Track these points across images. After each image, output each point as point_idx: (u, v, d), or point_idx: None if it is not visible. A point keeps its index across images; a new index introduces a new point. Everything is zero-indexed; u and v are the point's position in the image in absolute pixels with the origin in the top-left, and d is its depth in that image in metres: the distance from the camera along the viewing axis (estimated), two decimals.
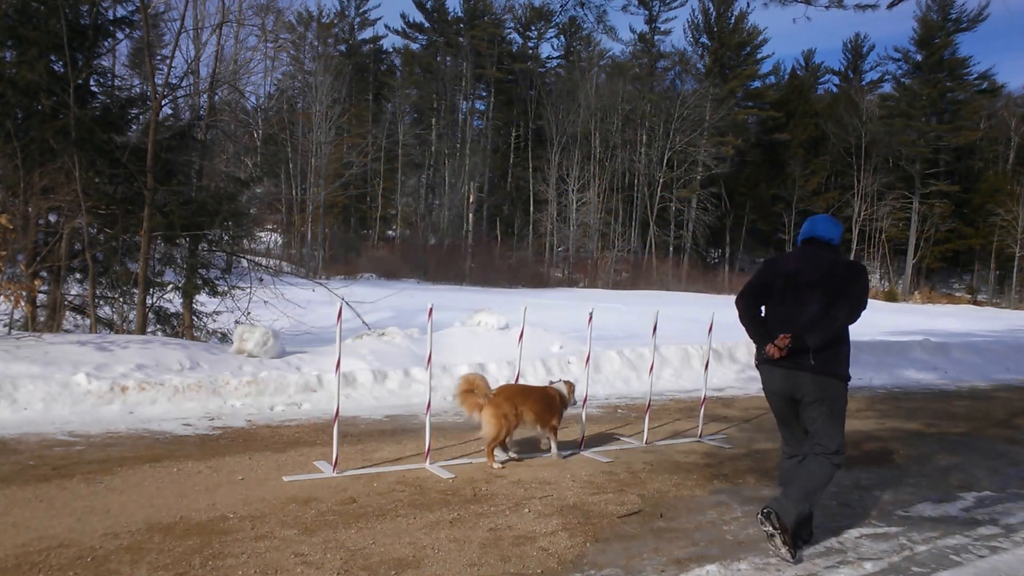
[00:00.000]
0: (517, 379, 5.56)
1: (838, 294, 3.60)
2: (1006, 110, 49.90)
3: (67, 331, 8.81)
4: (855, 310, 3.61)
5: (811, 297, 3.63)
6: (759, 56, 50.50)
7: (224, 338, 9.59)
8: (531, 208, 45.95)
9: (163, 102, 9.82)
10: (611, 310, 18.58)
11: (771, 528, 3.46)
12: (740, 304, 3.86)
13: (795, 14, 17.97)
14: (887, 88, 52.89)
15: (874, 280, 47.60)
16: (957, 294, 45.59)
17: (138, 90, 13.20)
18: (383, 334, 9.12)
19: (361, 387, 7.41)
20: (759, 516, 3.52)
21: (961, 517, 4.43)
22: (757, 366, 3.86)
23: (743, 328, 3.87)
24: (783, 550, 3.46)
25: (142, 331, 8.85)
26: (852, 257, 46.81)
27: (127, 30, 10.37)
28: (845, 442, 3.73)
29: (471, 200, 44.02)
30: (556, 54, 54.58)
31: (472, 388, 5.02)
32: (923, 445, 6.39)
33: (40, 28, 8.65)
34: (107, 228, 9.43)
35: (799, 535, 3.65)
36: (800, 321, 3.61)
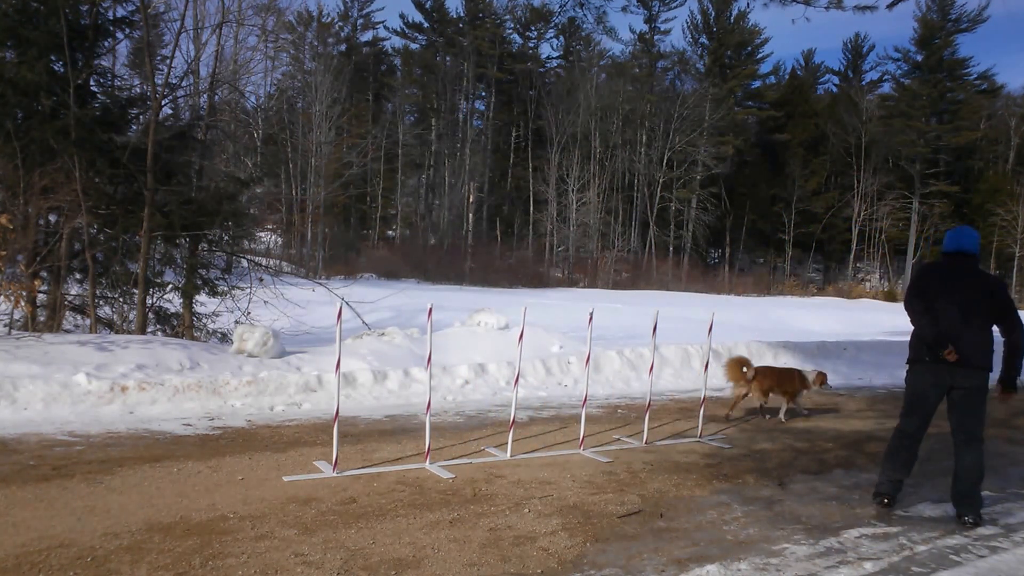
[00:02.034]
0: (517, 380, 5.57)
1: (992, 305, 4.30)
2: (1006, 110, 49.88)
3: (67, 331, 8.81)
4: (1018, 322, 4.33)
5: (969, 306, 4.28)
6: (759, 56, 50.49)
7: (224, 338, 9.58)
8: (531, 208, 45.92)
9: (163, 102, 9.81)
10: (611, 310, 18.58)
11: (973, 520, 4.24)
12: (915, 309, 4.44)
13: (794, 14, 18.02)
14: (887, 88, 52.90)
15: (874, 280, 47.59)
16: None
17: (138, 90, 13.22)
18: (383, 334, 9.12)
19: (361, 387, 7.41)
20: (967, 521, 4.23)
21: None
22: (917, 360, 4.47)
23: (918, 329, 4.44)
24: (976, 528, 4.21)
25: (142, 331, 8.85)
26: (852, 256, 46.89)
27: (127, 30, 10.34)
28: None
29: (471, 200, 44.00)
30: (556, 54, 54.63)
31: (741, 363, 7.33)
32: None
33: (40, 28, 8.64)
34: (107, 228, 9.42)
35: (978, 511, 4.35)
36: (961, 327, 4.25)
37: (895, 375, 11.08)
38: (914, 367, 4.54)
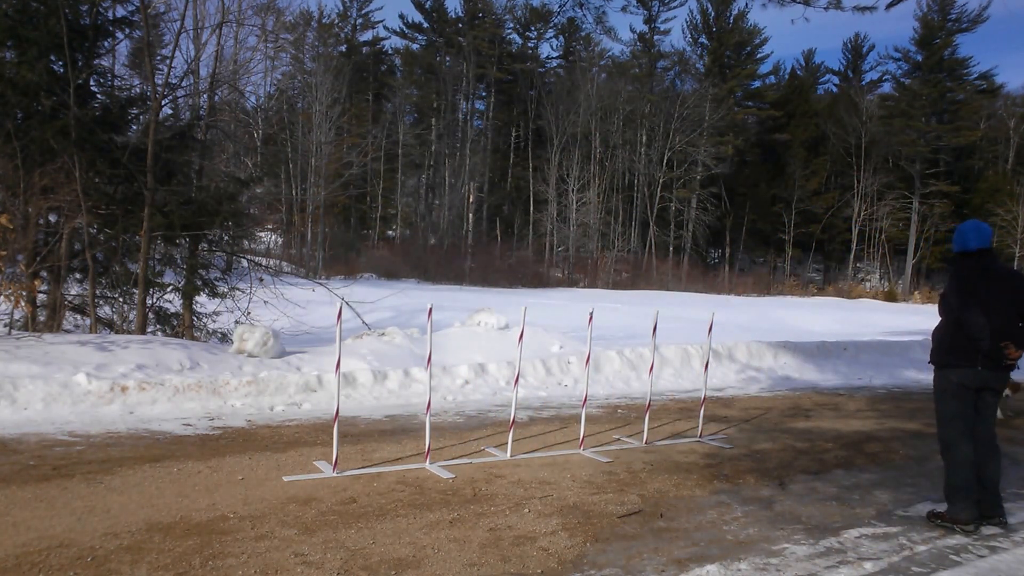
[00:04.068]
0: (517, 380, 5.57)
1: (1017, 300, 4.15)
2: (1006, 110, 49.89)
3: (67, 331, 8.81)
4: None
5: (1003, 305, 4.14)
6: (759, 56, 50.46)
7: (224, 338, 9.59)
8: (531, 208, 45.93)
9: (163, 102, 9.81)
10: (611, 310, 18.58)
11: (1006, 520, 4.22)
12: (978, 318, 4.09)
13: (793, 15, 18.07)
14: (887, 88, 52.94)
15: (874, 280, 47.59)
16: None
17: (138, 90, 13.20)
18: (383, 334, 9.12)
19: (361, 387, 7.41)
20: (1003, 522, 4.20)
21: None
22: (957, 366, 4.20)
23: (977, 333, 4.08)
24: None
25: (142, 331, 8.85)
26: (852, 256, 46.88)
27: (127, 30, 10.36)
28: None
29: (471, 200, 44.01)
30: (556, 54, 54.65)
31: None
32: (923, 445, 6.38)
33: (40, 28, 8.64)
34: (107, 228, 9.43)
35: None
36: (1009, 328, 4.12)
37: (895, 375, 11.09)
38: (956, 372, 4.22)
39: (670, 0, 47.65)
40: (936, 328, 4.39)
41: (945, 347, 4.28)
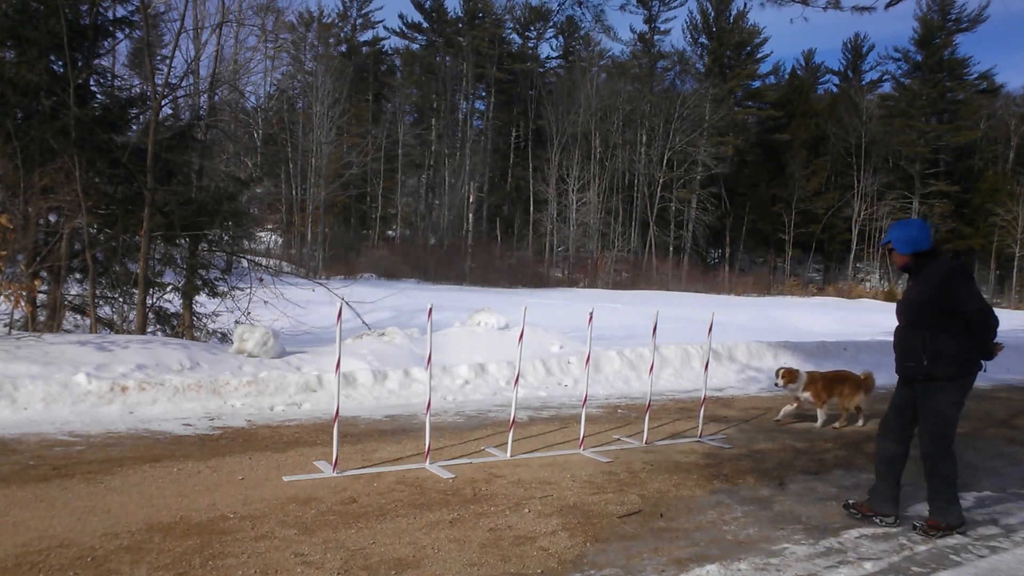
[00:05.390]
0: (517, 380, 5.58)
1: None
2: (1006, 110, 49.89)
3: (67, 331, 8.81)
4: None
5: None
6: (759, 56, 50.49)
7: (224, 338, 9.59)
8: (531, 208, 45.93)
9: (163, 102, 9.81)
10: (611, 310, 18.58)
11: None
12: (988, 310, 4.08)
13: (792, 14, 18.10)
14: (887, 88, 53.00)
15: (874, 280, 47.60)
16: None
17: (138, 90, 13.19)
18: (383, 334, 9.12)
19: (361, 387, 7.41)
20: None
21: None
22: (971, 374, 4.07)
23: (990, 334, 4.07)
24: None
25: (142, 331, 8.85)
26: (852, 256, 46.87)
27: (127, 30, 10.35)
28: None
29: (471, 200, 44.00)
30: (555, 54, 54.65)
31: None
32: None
33: (40, 28, 8.64)
34: (107, 228, 9.43)
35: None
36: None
37: (894, 375, 11.06)
38: (967, 382, 4.05)
39: (670, 0, 47.70)
40: (936, 337, 3.97)
41: (962, 353, 3.97)
